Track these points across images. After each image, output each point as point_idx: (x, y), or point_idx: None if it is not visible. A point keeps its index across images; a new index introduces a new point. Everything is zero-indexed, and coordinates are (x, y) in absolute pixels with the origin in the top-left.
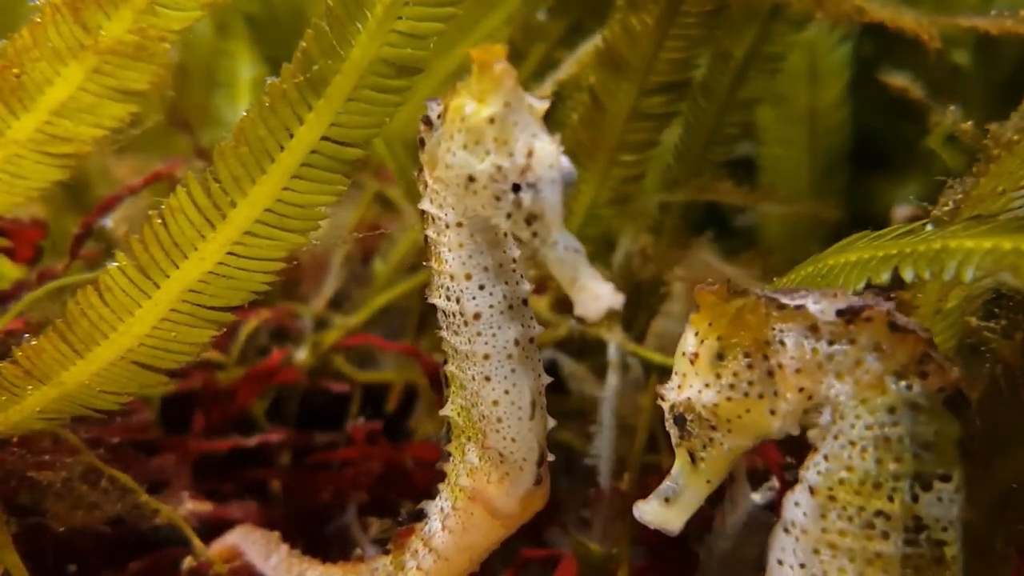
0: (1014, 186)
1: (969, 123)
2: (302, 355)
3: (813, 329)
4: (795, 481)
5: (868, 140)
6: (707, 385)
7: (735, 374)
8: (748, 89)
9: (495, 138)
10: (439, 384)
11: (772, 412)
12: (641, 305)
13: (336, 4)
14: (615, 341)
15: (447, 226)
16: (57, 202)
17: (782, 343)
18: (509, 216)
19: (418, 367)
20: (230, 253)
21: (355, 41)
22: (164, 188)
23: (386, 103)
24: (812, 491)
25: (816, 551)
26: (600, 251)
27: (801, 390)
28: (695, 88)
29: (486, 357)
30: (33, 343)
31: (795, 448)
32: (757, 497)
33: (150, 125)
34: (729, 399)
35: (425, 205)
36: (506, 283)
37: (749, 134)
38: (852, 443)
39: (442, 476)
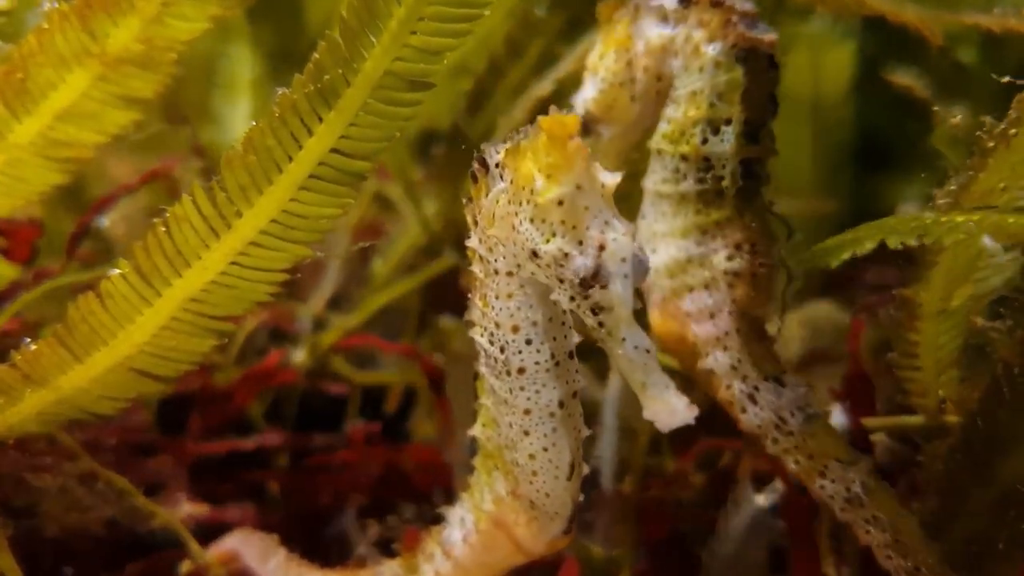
0: (1017, 182)
1: (959, 118)
2: (300, 356)
3: (663, 18)
4: (798, 483)
5: (873, 138)
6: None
7: (606, 68)
8: None
9: (562, 221)
10: (439, 386)
11: (631, 98)
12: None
13: (351, 16)
14: None
15: (496, 272)
16: (53, 201)
17: (640, 36)
18: (572, 300)
19: (418, 368)
20: (234, 263)
21: (368, 54)
22: (161, 187)
23: (396, 116)
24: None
25: (652, 203)
26: None
27: (646, 69)
28: None
29: (527, 412)
30: (32, 348)
31: None
32: (761, 500)
33: (152, 129)
34: (602, 91)
35: (474, 244)
36: (555, 339)
37: None
38: (675, 102)
39: (442, 475)
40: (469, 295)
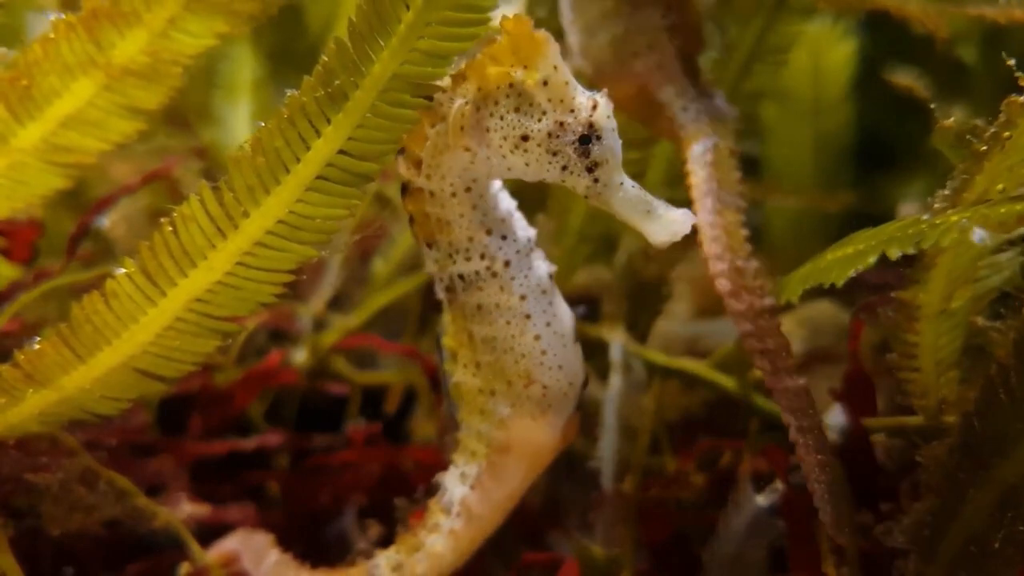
0: (1015, 186)
1: (952, 119)
2: (301, 356)
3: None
4: (800, 484)
5: (874, 137)
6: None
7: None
8: (753, 82)
9: (549, 99)
10: (439, 385)
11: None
12: (643, 305)
13: (359, 20)
14: (618, 342)
15: (453, 195)
16: (53, 201)
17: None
18: (565, 168)
19: (418, 368)
20: (239, 263)
21: (377, 57)
22: (161, 188)
23: (403, 119)
24: None
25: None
26: (602, 251)
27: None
28: None
29: (523, 298)
30: (35, 347)
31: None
32: (761, 500)
33: (153, 131)
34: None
35: (421, 183)
36: (520, 230)
37: (754, 132)
38: None
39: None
40: (424, 243)
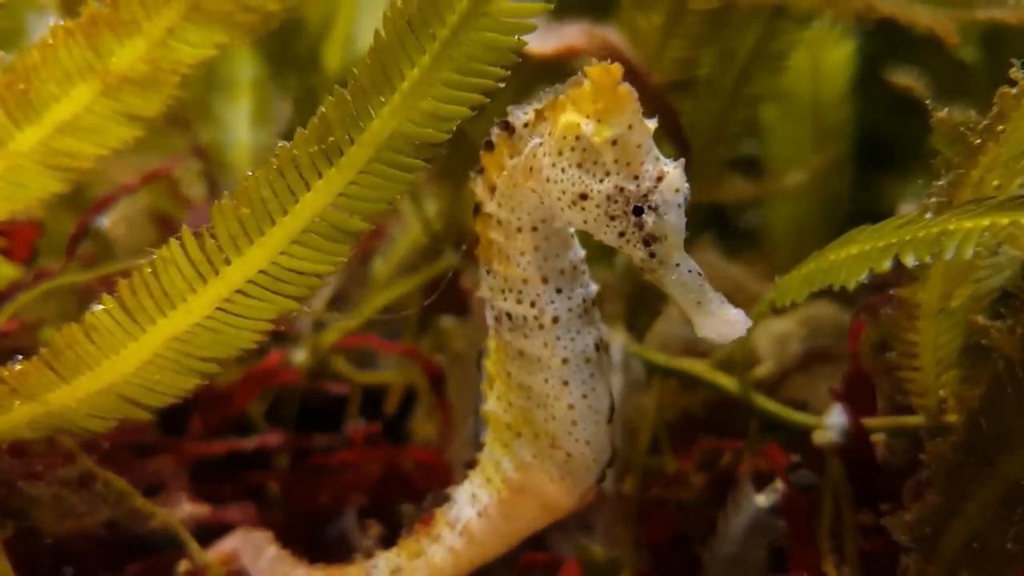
0: (1012, 180)
1: (946, 111)
2: (301, 356)
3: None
4: (800, 483)
5: (873, 137)
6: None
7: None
8: (753, 87)
9: (616, 160)
10: (439, 386)
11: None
12: (644, 306)
13: (363, 74)
14: (618, 342)
15: (519, 230)
16: (53, 201)
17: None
18: (622, 235)
19: (418, 368)
20: (220, 309)
21: (377, 114)
22: (161, 188)
23: (399, 180)
24: None
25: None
26: (602, 251)
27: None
28: (699, 87)
29: (564, 361)
30: (18, 367)
31: (800, 450)
32: (761, 500)
33: (153, 131)
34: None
35: (492, 209)
36: (581, 286)
37: (753, 132)
38: None
39: (442, 475)
40: (484, 267)
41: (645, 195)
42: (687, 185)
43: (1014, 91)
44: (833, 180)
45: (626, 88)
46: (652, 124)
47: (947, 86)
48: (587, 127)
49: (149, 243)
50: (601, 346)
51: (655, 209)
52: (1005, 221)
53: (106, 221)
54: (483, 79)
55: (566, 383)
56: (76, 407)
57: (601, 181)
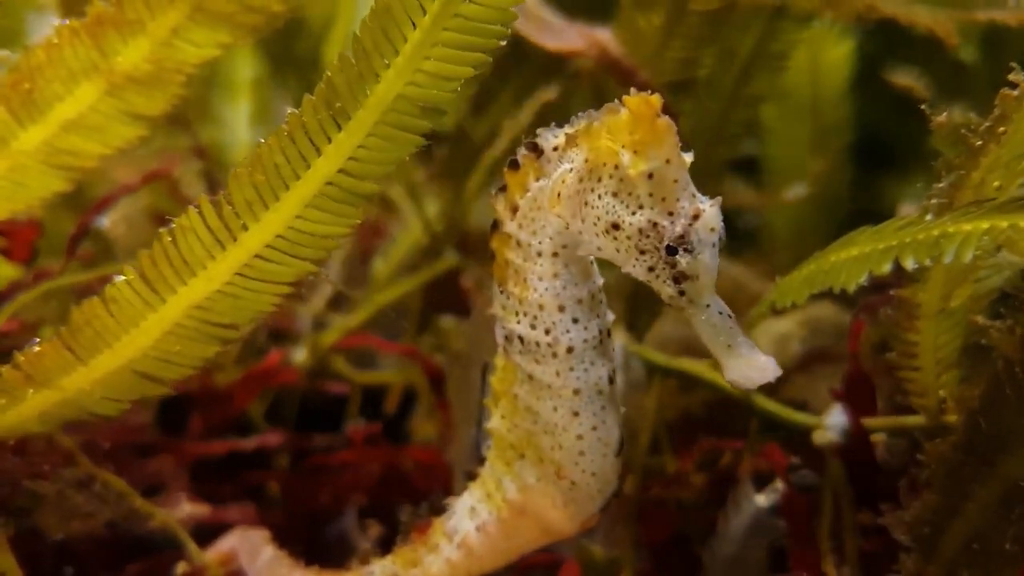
0: (1013, 181)
1: (945, 114)
2: (301, 356)
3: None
4: (800, 483)
5: (873, 137)
6: None
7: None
8: (753, 87)
9: (651, 194)
10: (439, 386)
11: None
12: (644, 306)
13: (364, 37)
14: (618, 342)
15: (539, 254)
16: (53, 201)
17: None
18: (651, 270)
19: (418, 368)
20: (239, 274)
21: (382, 76)
22: (161, 188)
23: (406, 141)
24: None
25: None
26: None
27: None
28: (700, 87)
29: (576, 392)
30: (36, 349)
31: (800, 450)
32: (761, 500)
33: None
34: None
35: (512, 229)
36: (597, 316)
37: (753, 132)
38: None
39: (442, 475)
40: (498, 286)
41: (681, 236)
42: (723, 224)
43: (1015, 93)
44: (833, 180)
45: (665, 121)
46: (689, 158)
47: (947, 86)
48: (624, 157)
49: (149, 243)
50: (613, 378)
51: (690, 250)
52: (1004, 224)
53: (106, 221)
54: (484, 38)
55: (576, 414)
56: (91, 390)
57: (634, 213)
